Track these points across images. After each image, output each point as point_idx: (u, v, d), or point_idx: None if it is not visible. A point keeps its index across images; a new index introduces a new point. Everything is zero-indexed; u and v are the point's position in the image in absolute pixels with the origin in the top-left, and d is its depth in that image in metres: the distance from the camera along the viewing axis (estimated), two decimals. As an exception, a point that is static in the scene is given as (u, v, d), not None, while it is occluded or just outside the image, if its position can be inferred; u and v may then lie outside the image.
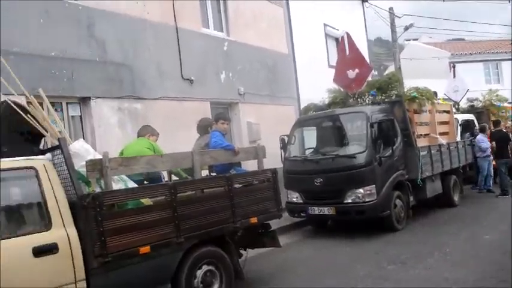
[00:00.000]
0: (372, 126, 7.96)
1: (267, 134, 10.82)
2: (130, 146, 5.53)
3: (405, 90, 9.44)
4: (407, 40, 30.17)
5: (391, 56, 20.90)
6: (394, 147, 8.35)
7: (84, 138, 7.62)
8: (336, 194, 7.92)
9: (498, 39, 25.40)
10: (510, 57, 24.19)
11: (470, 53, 24.40)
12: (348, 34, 10.14)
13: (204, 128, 6.32)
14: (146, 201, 4.38)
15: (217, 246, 4.91)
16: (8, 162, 3.84)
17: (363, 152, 7.81)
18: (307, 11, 14.39)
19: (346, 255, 6.84)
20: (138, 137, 5.88)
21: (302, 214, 8.46)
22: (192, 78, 9.67)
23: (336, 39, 16.61)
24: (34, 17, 7.09)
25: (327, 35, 15.85)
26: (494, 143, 12.05)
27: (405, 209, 8.50)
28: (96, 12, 7.99)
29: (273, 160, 8.83)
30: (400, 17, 20.90)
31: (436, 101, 10.03)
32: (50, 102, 7.26)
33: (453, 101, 15.63)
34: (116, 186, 4.26)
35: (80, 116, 7.76)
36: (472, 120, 14.75)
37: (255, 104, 11.42)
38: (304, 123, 9.27)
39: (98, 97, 7.81)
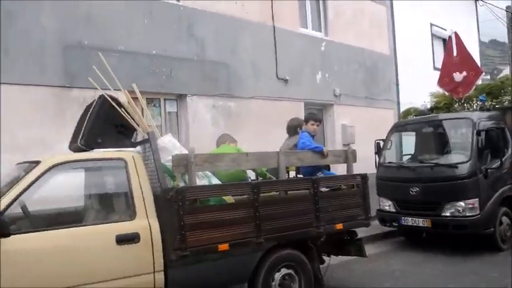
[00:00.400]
0: (478, 134, 7.27)
1: (362, 137, 10.41)
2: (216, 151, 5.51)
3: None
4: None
5: (506, 59, 19.13)
6: (504, 158, 7.56)
7: (179, 134, 7.94)
8: (433, 205, 7.36)
9: None
10: None
11: None
12: (456, 34, 9.39)
13: (293, 128, 6.16)
14: (228, 198, 4.37)
15: (298, 250, 4.76)
16: (100, 152, 4.05)
17: (467, 161, 7.15)
18: (413, 11, 13.65)
19: (439, 273, 6.30)
20: (217, 146, 5.77)
21: (394, 224, 7.98)
22: (287, 78, 9.60)
23: (443, 40, 15.57)
24: (138, 17, 7.48)
25: (433, 36, 14.92)
26: None
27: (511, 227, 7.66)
28: (197, 12, 8.24)
29: (366, 165, 8.45)
30: (519, 16, 19.13)
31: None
32: (149, 98, 7.78)
33: None
34: (200, 182, 4.29)
35: (176, 112, 8.05)
36: None
37: (350, 106, 11.06)
38: (402, 128, 8.75)
39: (194, 94, 8.04)
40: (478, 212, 7.03)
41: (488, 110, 8.51)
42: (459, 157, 7.36)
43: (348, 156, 5.46)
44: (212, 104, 8.28)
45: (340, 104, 10.83)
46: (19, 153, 5.47)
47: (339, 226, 5.03)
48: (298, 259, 4.72)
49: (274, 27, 9.54)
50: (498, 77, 15.84)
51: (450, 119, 8.00)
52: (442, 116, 8.31)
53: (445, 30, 15.49)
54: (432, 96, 9.47)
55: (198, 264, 3.98)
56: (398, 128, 8.73)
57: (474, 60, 9.04)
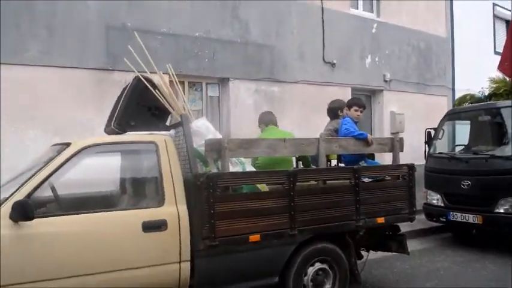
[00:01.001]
0: (539, 124, 6.68)
1: (412, 126, 9.95)
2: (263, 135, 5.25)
3: None
4: None
5: None
6: None
7: (220, 119, 7.82)
8: (485, 200, 6.85)
9: None
10: None
11: None
12: (521, 14, 8.65)
13: (333, 111, 5.79)
14: (262, 187, 4.18)
15: (334, 244, 4.51)
16: (131, 136, 3.96)
17: (526, 154, 6.59)
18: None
19: (488, 273, 5.87)
20: (259, 123, 5.54)
21: (441, 219, 7.51)
22: (334, 61, 9.23)
23: (507, 22, 14.57)
24: (180, -2, 7.35)
25: (495, 17, 13.92)
26: None
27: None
28: (242, -8, 8.03)
29: (416, 155, 8.05)
30: None
31: None
32: (191, 82, 7.68)
33: None
34: (234, 168, 4.12)
35: (218, 97, 7.92)
36: None
37: (401, 92, 10.53)
38: (456, 116, 8.19)
39: (236, 78, 7.87)
40: (535, 209, 6.49)
41: (553, 97, 7.86)
42: (519, 149, 6.79)
43: (395, 144, 5.11)
44: (255, 88, 8.08)
45: (390, 90, 10.34)
46: (60, 135, 5.53)
47: (381, 220, 4.73)
48: (334, 253, 4.47)
49: (322, 8, 9.16)
50: None
51: (508, 106, 7.38)
52: (500, 103, 7.69)
53: (510, 10, 14.52)
54: (491, 82, 8.84)
55: (227, 255, 3.83)
56: (452, 116, 8.17)
57: (540, 43, 8.31)
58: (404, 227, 8.47)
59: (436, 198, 7.64)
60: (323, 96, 8.90)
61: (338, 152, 4.90)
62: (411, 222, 5.12)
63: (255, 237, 3.91)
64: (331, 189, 4.50)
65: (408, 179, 5.00)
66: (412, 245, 7.53)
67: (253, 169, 4.38)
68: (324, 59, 9.12)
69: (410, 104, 10.60)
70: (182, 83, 7.44)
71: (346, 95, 9.44)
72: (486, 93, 8.76)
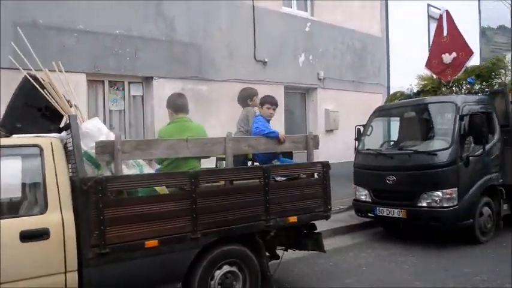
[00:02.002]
0: (461, 119, 6.78)
1: (347, 123, 9.98)
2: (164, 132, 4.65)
3: (510, 78, 8.00)
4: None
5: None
6: (488, 145, 7.10)
7: (144, 119, 7.55)
8: (409, 195, 6.92)
9: None
10: None
11: None
12: (447, 12, 8.82)
13: (243, 99, 5.49)
14: (162, 189, 3.98)
15: (243, 246, 4.36)
16: (11, 139, 3.67)
17: (447, 148, 6.68)
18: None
19: (410, 267, 5.91)
20: (169, 107, 4.74)
21: (369, 214, 7.56)
22: (266, 60, 9.15)
23: (440, 22, 15.02)
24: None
25: (430, 17, 14.29)
26: None
27: (494, 219, 7.22)
28: (167, -12, 7.80)
29: (351, 152, 8.11)
30: (524, -2, 18.39)
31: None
32: (112, 81, 7.37)
33: None
34: (130, 171, 3.90)
35: (142, 96, 7.65)
36: None
37: (335, 90, 10.60)
38: (384, 112, 8.27)
39: (161, 77, 7.63)
40: (455, 202, 6.60)
41: (476, 93, 8.05)
42: (440, 144, 6.89)
43: (309, 142, 5.03)
44: (181, 87, 7.85)
45: (325, 88, 10.38)
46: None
47: (293, 219, 4.62)
48: (243, 255, 4.33)
49: (253, 5, 9.05)
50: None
51: (433, 102, 7.52)
52: (424, 99, 7.83)
53: (439, 9, 14.95)
54: (420, 80, 8.97)
55: (121, 263, 3.60)
56: (380, 112, 8.24)
57: (465, 41, 8.49)
58: (337, 223, 8.59)
59: (364, 194, 7.68)
60: (255, 95, 8.86)
61: (248, 151, 4.76)
62: (326, 220, 5.06)
63: (152, 243, 3.70)
64: (237, 190, 4.34)
65: (323, 177, 4.94)
66: (343, 240, 7.65)
67: (152, 171, 4.16)
68: (255, 57, 9.02)
69: (345, 101, 10.68)
70: (102, 82, 7.15)
71: (279, 93, 9.39)
72: (415, 90, 8.88)
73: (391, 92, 11.38)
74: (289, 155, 5.44)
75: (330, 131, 10.35)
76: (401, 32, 12.55)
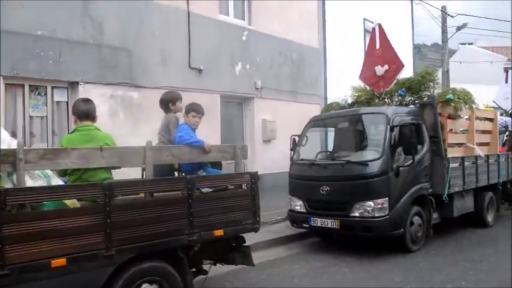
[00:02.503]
0: (391, 130, 6.88)
1: (285, 133, 9.94)
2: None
3: (440, 91, 8.24)
4: (462, 44, 28.26)
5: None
6: (418, 156, 7.23)
7: (68, 127, 7.09)
8: (342, 205, 6.91)
9: None
10: None
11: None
12: (380, 25, 9.00)
13: (164, 103, 5.16)
14: (72, 203, 3.64)
15: (165, 262, 4.09)
16: None
17: (378, 159, 6.73)
18: (346, 5, 13.31)
19: (341, 278, 5.86)
20: (74, 114, 4.23)
21: (304, 225, 7.48)
22: (201, 67, 8.93)
23: (377, 36, 15.45)
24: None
25: (366, 31, 14.66)
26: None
27: (424, 227, 7.36)
28: (95, -11, 7.42)
29: (287, 162, 8.04)
30: (453, 16, 19.35)
31: (475, 106, 8.72)
32: (32, 85, 6.88)
33: (503, 109, 14.10)
34: (35, 183, 3.54)
35: (67, 102, 7.19)
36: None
37: (273, 100, 10.56)
38: (318, 122, 8.26)
39: (88, 82, 7.21)
40: (387, 212, 6.65)
41: (407, 105, 8.23)
42: (371, 154, 6.94)
43: (236, 152, 4.84)
44: (110, 93, 7.49)
45: (262, 98, 10.30)
46: None
47: (219, 232, 4.40)
48: (164, 272, 4.04)
49: (188, 12, 8.83)
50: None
51: (364, 113, 7.60)
52: (356, 110, 7.91)
53: (372, 22, 15.42)
54: (354, 91, 9.07)
55: (24, 285, 3.23)
56: (315, 122, 8.23)
57: (396, 54, 8.68)
58: (274, 234, 8.47)
59: (299, 205, 7.60)
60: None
61: (170, 162, 4.51)
62: (255, 232, 4.88)
63: (59, 262, 3.35)
64: (157, 202, 4.07)
65: (251, 188, 4.76)
66: (278, 252, 7.51)
67: (61, 182, 3.81)
68: (190, 65, 8.78)
69: (283, 112, 10.65)
70: (22, 86, 6.64)
71: (214, 101, 9.22)
72: (349, 102, 8.98)
73: (329, 102, 11.51)
74: (218, 165, 5.22)
75: (267, 141, 10.26)
76: (339, 43, 12.78)
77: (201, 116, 5.09)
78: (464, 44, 28.93)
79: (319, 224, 7.18)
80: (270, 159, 10.10)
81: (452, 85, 19.17)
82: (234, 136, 10.09)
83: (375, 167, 6.68)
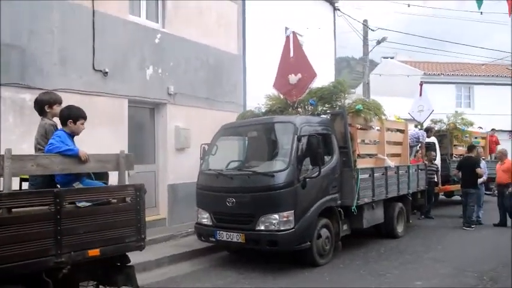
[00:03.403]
0: (299, 140, 6.72)
1: (200, 141, 9.48)
2: None
3: (350, 101, 8.24)
4: (384, 58, 29.41)
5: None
6: (326, 166, 7.14)
7: None
8: (247, 218, 6.65)
9: (478, 62, 24.36)
10: (482, 82, 23.46)
11: (442, 74, 23.51)
12: (294, 33, 8.92)
13: (39, 103, 4.67)
14: None
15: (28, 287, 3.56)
16: None
17: (283, 170, 6.53)
18: (268, 13, 13.18)
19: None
20: None
21: (211, 239, 7.13)
22: (107, 70, 8.32)
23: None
24: None
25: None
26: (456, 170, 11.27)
27: (332, 240, 7.26)
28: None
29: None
30: (374, 30, 19.97)
31: (384, 117, 8.83)
32: None
33: (417, 121, 14.65)
34: None
35: None
36: (434, 143, 13.75)
37: (188, 106, 10.11)
38: (229, 131, 7.92)
39: (-33, 81, 6.42)
40: (292, 225, 6.45)
41: (319, 115, 8.16)
42: (278, 165, 6.74)
43: (120, 161, 4.39)
44: (-3, 94, 6.72)
45: (175, 104, 9.82)
46: None
47: (94, 252, 3.94)
48: (22, 300, 3.52)
49: (93, 10, 8.21)
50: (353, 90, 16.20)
51: (273, 122, 7.41)
52: (264, 119, 7.73)
53: (301, 36, 15.49)
54: (268, 99, 8.89)
55: None
56: (225, 131, 7.91)
57: (309, 63, 8.62)
58: (181, 248, 8.05)
59: (206, 217, 7.26)
60: (93, 108, 7.98)
61: (36, 172, 3.97)
62: (140, 250, 4.44)
63: None
64: (16, 220, 3.53)
65: (136, 202, 4.33)
66: (182, 268, 7.12)
67: None
68: (93, 67, 8.14)
69: (199, 119, 10.24)
70: None
71: (121, 106, 8.66)
72: (263, 110, 8.78)
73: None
74: (104, 177, 4.72)
75: (180, 149, 9.80)
76: (260, 51, 12.58)
77: (83, 122, 4.58)
78: (387, 57, 30.10)
79: (225, 238, 6.86)
80: (183, 168, 9.65)
81: (372, 97, 19.83)
82: (144, 144, 9.55)
83: (280, 178, 6.47)
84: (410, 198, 10.16)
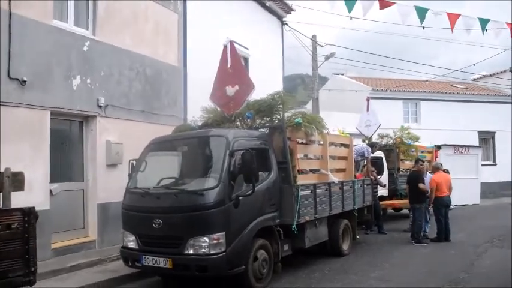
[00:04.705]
0: (231, 155, 6.20)
1: (134, 157, 8.85)
2: None
3: (289, 115, 7.84)
4: (335, 74, 29.66)
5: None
6: (263, 184, 6.67)
7: None
8: (175, 241, 6.03)
9: (423, 79, 24.82)
10: (428, 98, 23.95)
11: (389, 90, 23.84)
12: (231, 43, 8.45)
13: None
14: None
15: None
16: None
17: (214, 188, 5.97)
18: (214, 27, 12.66)
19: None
20: None
21: (137, 264, 6.45)
22: (25, 79, 7.54)
23: (245, 59, 15.13)
24: None
25: (232, 53, 14.15)
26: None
27: (271, 262, 6.76)
28: None
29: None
30: (322, 46, 19.92)
31: (326, 131, 8.49)
32: None
33: (364, 135, 14.54)
34: None
35: None
36: (381, 158, 13.65)
37: (121, 120, 9.42)
38: (159, 146, 7.27)
39: None
40: (223, 248, 5.88)
41: (257, 128, 7.70)
42: (208, 182, 6.16)
43: (4, 182, 3.71)
44: None
45: (106, 117, 9.10)
46: None
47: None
48: None
49: (10, 12, 7.45)
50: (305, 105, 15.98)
51: (204, 136, 6.88)
52: (196, 133, 7.20)
53: (247, 49, 15.13)
54: (204, 112, 8.35)
55: None
56: (155, 146, 7.27)
57: (247, 74, 8.23)
58: (108, 273, 7.30)
59: (131, 240, 6.57)
60: (10, 120, 7.26)
61: None
62: (30, 286, 3.75)
63: None
64: None
65: (23, 229, 3.66)
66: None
67: None
68: (9, 75, 7.35)
69: (134, 133, 9.54)
70: None
71: (44, 119, 7.90)
72: (199, 123, 8.24)
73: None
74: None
75: (111, 165, 9.08)
76: (203, 63, 12.03)
77: None
78: (338, 74, 30.36)
79: (151, 263, 6.21)
80: (115, 186, 8.87)
81: (321, 112, 19.78)
82: (71, 160, 8.77)
83: (210, 197, 5.91)
84: (356, 214, 9.85)
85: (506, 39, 10.69)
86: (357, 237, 10.35)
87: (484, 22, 9.87)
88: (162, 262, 6.05)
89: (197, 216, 5.89)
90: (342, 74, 29.41)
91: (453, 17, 9.77)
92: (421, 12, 9.37)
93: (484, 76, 27.87)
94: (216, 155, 6.35)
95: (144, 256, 6.24)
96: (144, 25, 10.32)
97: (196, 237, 5.88)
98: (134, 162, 7.20)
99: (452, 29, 9.81)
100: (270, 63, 16.51)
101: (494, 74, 27.44)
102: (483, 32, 9.88)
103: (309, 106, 20.94)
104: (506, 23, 10.16)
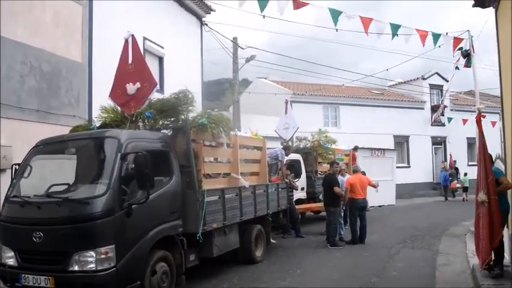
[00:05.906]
0: (123, 158, 5.58)
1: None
2: None
3: (194, 115, 7.33)
4: (258, 78, 29.58)
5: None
6: (162, 190, 6.12)
7: None
8: (58, 256, 5.30)
9: (340, 83, 25.28)
10: (347, 103, 24.47)
11: (309, 93, 24.10)
12: (133, 37, 7.75)
13: None
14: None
15: None
16: None
17: (101, 195, 5.30)
18: (126, 24, 11.79)
19: None
20: None
21: (16, 284, 5.60)
22: None
23: (160, 58, 14.46)
24: None
25: (146, 51, 13.38)
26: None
27: (173, 275, 6.21)
28: None
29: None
30: (243, 48, 19.63)
31: (233, 133, 8.09)
32: None
33: (283, 138, 14.39)
34: None
35: None
36: (298, 161, 13.55)
37: (9, 119, 8.41)
38: (45, 148, 6.42)
39: None
40: (113, 263, 5.23)
41: (159, 129, 7.11)
42: (95, 189, 5.47)
43: None
44: None
45: (-8, 117, 8.10)
46: None
47: None
48: None
49: None
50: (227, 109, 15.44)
51: (94, 138, 6.18)
52: (85, 134, 6.50)
53: (163, 48, 14.45)
54: (102, 111, 7.61)
55: None
56: (41, 148, 6.43)
57: (149, 70, 7.55)
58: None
59: (10, 257, 5.71)
60: None
61: None
62: None
63: None
64: None
65: None
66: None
67: None
68: None
69: (27, 134, 8.54)
70: None
71: None
72: (97, 124, 7.48)
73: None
74: None
75: (1, 170, 8.09)
76: (111, 61, 11.19)
77: None
78: (261, 77, 30.30)
79: (31, 283, 5.42)
80: (2, 194, 7.91)
81: (243, 116, 19.53)
82: None
83: (97, 206, 5.25)
84: (271, 219, 9.56)
85: (428, 46, 10.81)
86: (274, 241, 10.10)
87: (395, 28, 9.96)
88: (43, 281, 5.28)
89: (82, 228, 5.20)
90: (265, 78, 29.37)
91: (366, 21, 9.75)
92: (335, 14, 9.26)
93: (399, 83, 29.06)
94: (107, 158, 5.66)
95: (23, 275, 5.43)
96: (41, 15, 9.37)
97: (82, 251, 5.18)
98: (17, 167, 6.34)
99: (366, 32, 9.78)
100: (188, 64, 15.91)
101: (408, 81, 28.67)
102: (392, 37, 9.97)
103: (232, 110, 20.57)
104: (416, 29, 10.34)
